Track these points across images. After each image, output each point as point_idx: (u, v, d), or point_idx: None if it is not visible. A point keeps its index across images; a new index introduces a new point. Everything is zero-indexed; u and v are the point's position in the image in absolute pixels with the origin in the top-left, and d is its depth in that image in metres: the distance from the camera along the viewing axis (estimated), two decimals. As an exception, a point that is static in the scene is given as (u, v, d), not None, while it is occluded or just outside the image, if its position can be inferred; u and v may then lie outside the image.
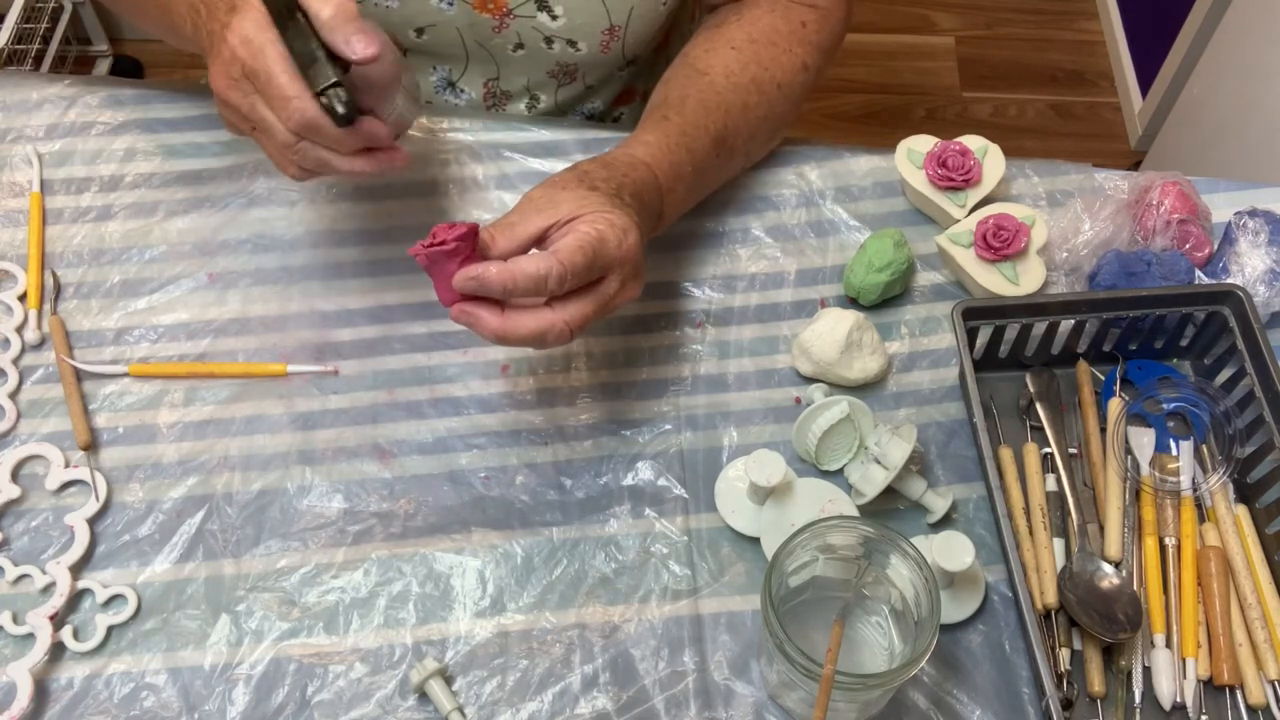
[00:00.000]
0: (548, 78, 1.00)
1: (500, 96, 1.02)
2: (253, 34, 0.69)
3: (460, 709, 0.74)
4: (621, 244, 0.73)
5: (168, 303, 0.89)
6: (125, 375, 0.86)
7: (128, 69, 2.23)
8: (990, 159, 0.93)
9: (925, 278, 0.92)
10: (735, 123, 0.89)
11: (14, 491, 0.81)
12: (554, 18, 0.92)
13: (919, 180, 0.93)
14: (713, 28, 0.94)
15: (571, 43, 0.94)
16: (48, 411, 0.85)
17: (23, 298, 0.89)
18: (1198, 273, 0.90)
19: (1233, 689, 0.75)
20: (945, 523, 0.81)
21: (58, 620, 0.76)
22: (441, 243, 0.69)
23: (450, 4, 0.92)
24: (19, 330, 0.88)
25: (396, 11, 0.93)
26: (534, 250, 0.73)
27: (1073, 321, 0.84)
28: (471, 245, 0.70)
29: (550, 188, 0.77)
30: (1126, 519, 0.80)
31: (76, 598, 0.78)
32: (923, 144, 0.93)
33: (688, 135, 0.86)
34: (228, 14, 0.70)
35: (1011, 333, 0.85)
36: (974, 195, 0.92)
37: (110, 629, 0.77)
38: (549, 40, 0.94)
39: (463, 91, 1.02)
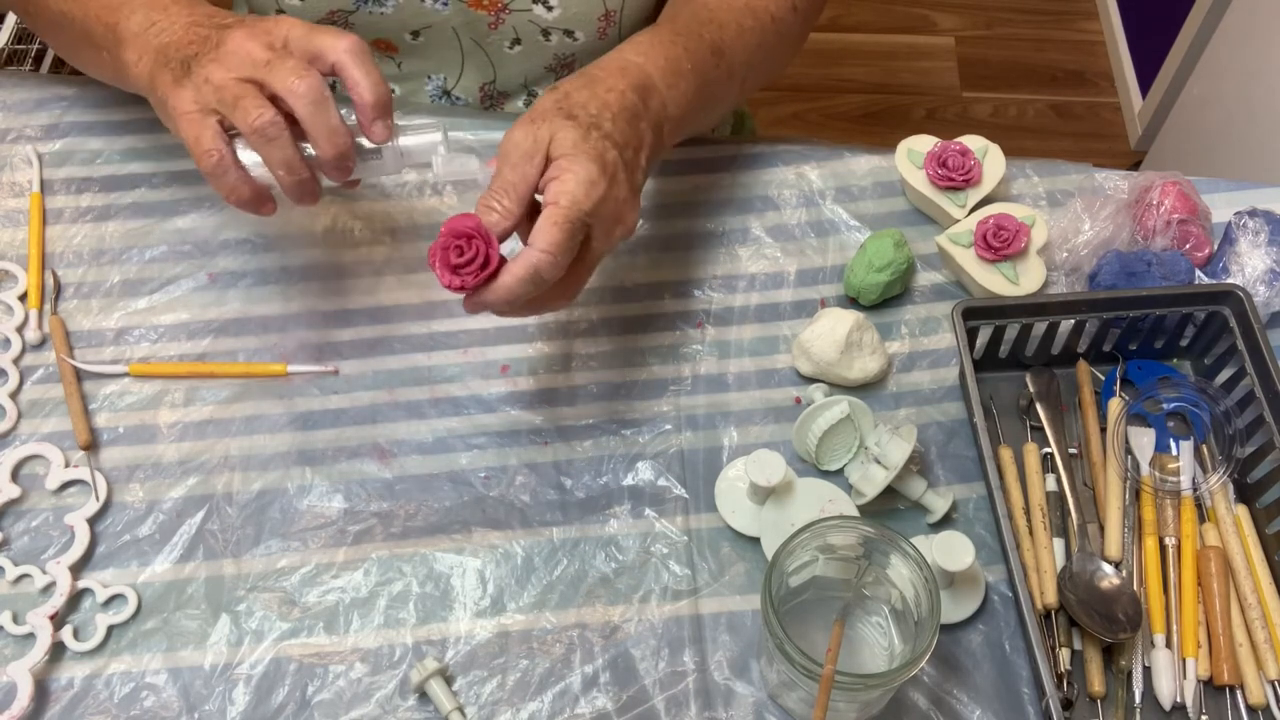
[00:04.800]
0: (545, 72, 0.99)
1: (497, 98, 1.02)
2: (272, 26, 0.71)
3: (460, 709, 0.74)
4: (591, 197, 0.71)
5: (168, 303, 0.89)
6: (125, 375, 0.86)
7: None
8: (990, 159, 0.93)
9: (925, 278, 0.92)
10: (730, 39, 0.85)
11: (14, 491, 0.81)
12: (549, 8, 0.91)
13: (919, 180, 0.93)
14: None
15: (569, 33, 0.93)
16: (48, 411, 0.85)
17: (23, 298, 0.89)
18: (1198, 273, 0.90)
19: (1233, 689, 0.75)
20: (945, 523, 0.81)
21: (58, 620, 0.76)
22: (461, 287, 0.70)
23: (445, 4, 0.92)
24: (19, 330, 0.88)
25: (392, 16, 0.93)
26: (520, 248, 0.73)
27: (1073, 321, 0.84)
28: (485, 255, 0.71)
29: (531, 125, 0.73)
30: (1126, 519, 0.80)
31: (76, 598, 0.78)
32: (923, 144, 0.93)
33: (682, 35, 0.82)
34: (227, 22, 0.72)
35: (1011, 333, 0.85)
36: (974, 195, 0.92)
37: (110, 629, 0.77)
38: (546, 33, 0.93)
39: (458, 99, 1.02)
